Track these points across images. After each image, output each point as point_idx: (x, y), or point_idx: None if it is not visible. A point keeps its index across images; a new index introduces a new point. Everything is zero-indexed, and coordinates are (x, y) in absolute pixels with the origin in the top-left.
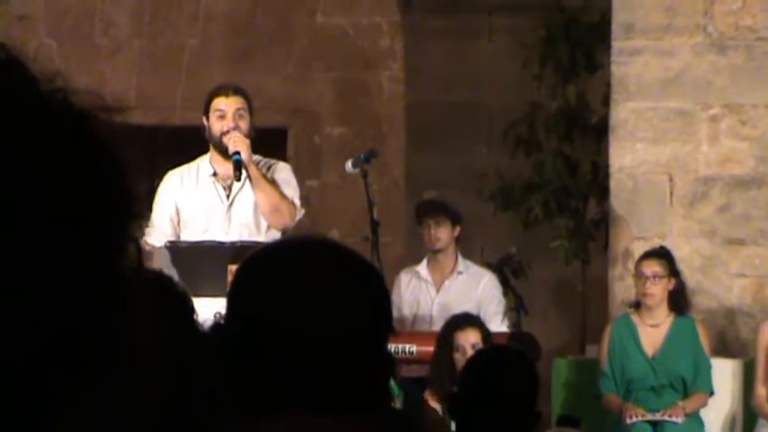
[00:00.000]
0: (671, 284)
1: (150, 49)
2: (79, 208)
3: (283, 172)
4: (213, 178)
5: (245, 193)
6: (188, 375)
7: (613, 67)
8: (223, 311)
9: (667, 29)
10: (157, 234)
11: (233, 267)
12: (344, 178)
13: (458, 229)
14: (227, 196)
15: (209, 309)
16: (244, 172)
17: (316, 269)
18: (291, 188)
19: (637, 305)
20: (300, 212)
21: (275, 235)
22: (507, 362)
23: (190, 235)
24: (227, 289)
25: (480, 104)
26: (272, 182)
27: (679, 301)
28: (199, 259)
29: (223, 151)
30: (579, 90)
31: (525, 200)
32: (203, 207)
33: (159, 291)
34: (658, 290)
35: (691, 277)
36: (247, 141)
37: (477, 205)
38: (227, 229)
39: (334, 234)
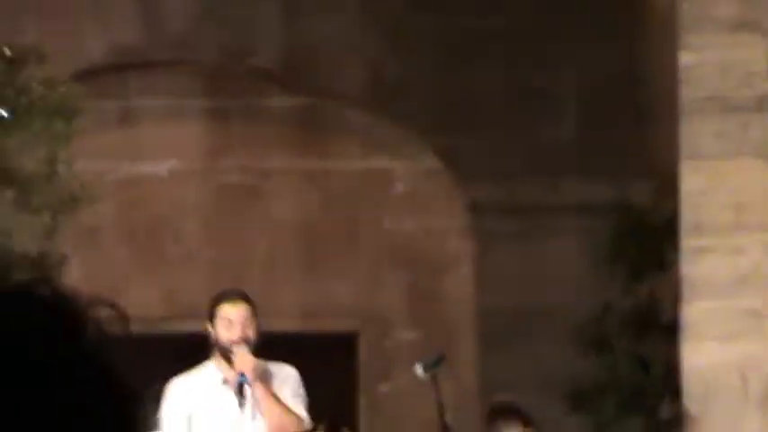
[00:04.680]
0: None
1: (220, 258)
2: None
3: (290, 381)
4: (224, 385)
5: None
6: None
7: (683, 266)
8: None
9: (736, 227)
10: None
11: None
12: (416, 383)
13: (529, 431)
14: (240, 403)
15: None
16: (248, 393)
17: None
18: (298, 399)
19: None
20: (307, 425)
21: None
22: None
23: None
24: None
25: (551, 305)
26: (277, 398)
27: None
28: None
29: (230, 360)
30: (650, 289)
31: (597, 401)
32: (217, 413)
33: None
34: None
35: None
36: (253, 361)
37: (549, 407)
38: None
39: None
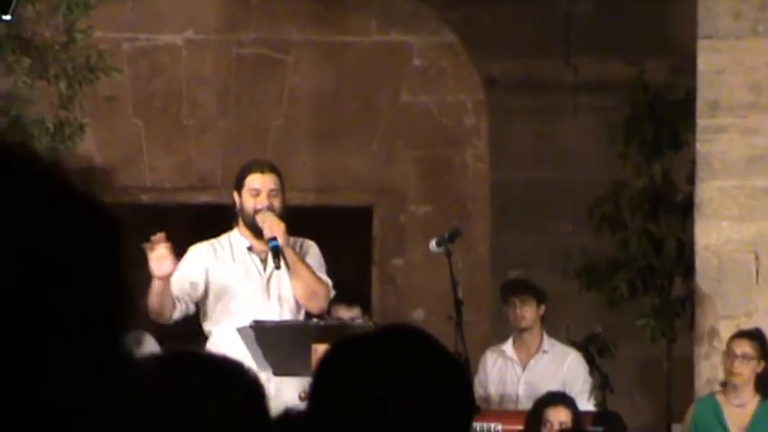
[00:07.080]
0: (760, 367)
1: (236, 130)
2: (75, 307)
3: (313, 250)
4: (249, 252)
5: (282, 270)
6: None
7: (698, 145)
8: (307, 391)
9: (752, 106)
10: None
11: (318, 347)
12: (429, 257)
13: (543, 308)
14: (264, 269)
15: (294, 388)
16: (281, 258)
17: (396, 363)
18: (322, 268)
19: (724, 384)
20: (332, 293)
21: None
22: None
23: (227, 305)
24: (312, 369)
25: (565, 182)
26: (307, 265)
27: (767, 384)
28: (284, 339)
29: (255, 229)
30: (664, 168)
31: (610, 278)
32: (243, 279)
33: (226, 376)
34: (746, 370)
35: None
36: (283, 225)
37: (563, 283)
38: (266, 302)
39: (420, 313)
